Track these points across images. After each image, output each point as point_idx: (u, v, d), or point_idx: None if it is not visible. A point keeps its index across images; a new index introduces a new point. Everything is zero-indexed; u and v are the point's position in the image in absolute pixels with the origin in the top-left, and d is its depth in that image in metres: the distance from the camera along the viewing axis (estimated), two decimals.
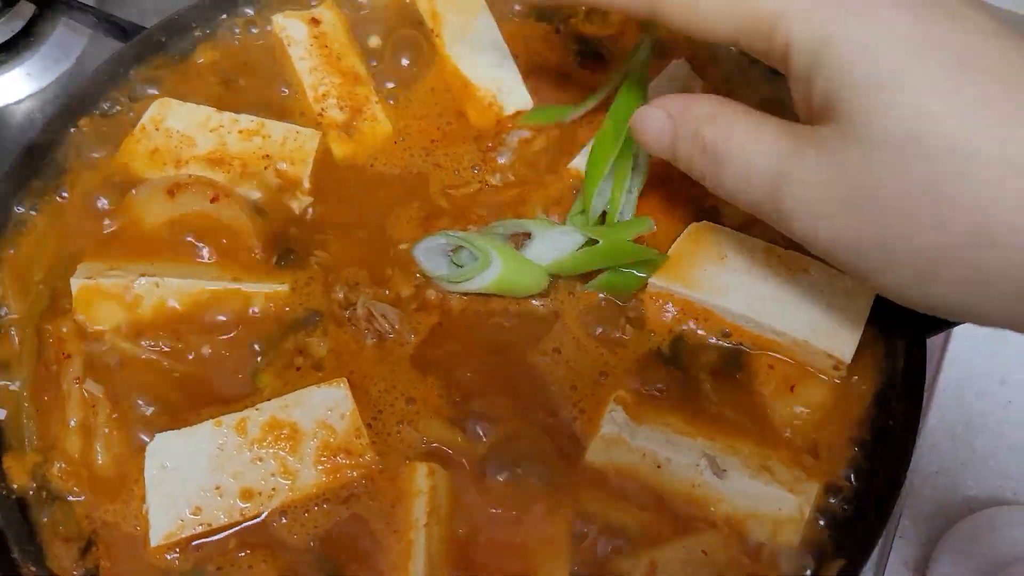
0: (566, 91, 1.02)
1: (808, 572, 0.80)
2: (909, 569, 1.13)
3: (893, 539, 1.12)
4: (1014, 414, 1.22)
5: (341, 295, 0.90)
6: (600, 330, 0.90)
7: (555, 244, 0.90)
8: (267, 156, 0.95)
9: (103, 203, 0.94)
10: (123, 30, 1.13)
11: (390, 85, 1.03)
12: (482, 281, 0.89)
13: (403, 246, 0.94)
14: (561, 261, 0.89)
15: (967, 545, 1.09)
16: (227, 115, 0.97)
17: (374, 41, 1.05)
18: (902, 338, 0.88)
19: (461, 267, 0.90)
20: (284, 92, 1.01)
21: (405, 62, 1.04)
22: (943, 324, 0.90)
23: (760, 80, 1.03)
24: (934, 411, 1.20)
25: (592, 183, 0.90)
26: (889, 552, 1.10)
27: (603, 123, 0.91)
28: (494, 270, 0.88)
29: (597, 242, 0.88)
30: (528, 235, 0.91)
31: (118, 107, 0.99)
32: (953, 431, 1.21)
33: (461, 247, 0.90)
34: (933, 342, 1.20)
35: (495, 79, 1.02)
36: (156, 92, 1.00)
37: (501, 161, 0.98)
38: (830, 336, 0.85)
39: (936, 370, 1.21)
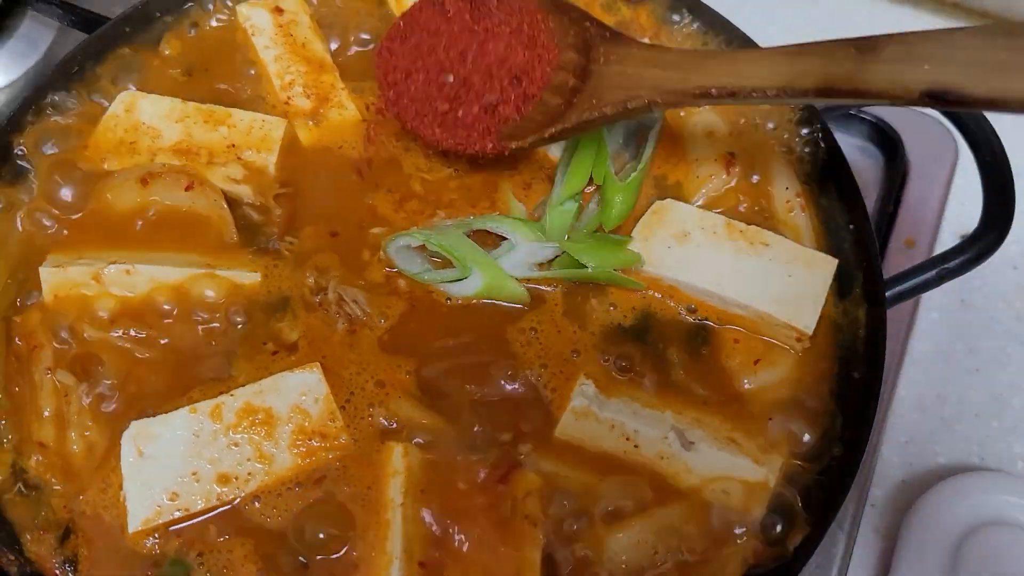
0: None
1: (774, 540, 0.82)
2: (880, 536, 1.15)
3: (864, 508, 1.14)
4: (981, 382, 1.24)
5: (311, 280, 0.91)
6: (570, 308, 0.91)
7: (534, 256, 0.91)
8: (233, 145, 0.96)
9: (70, 195, 0.94)
10: (89, 22, 1.13)
11: (357, 74, 1.03)
12: (461, 290, 0.91)
13: (375, 230, 0.95)
14: (540, 276, 0.91)
15: (936, 512, 1.12)
16: (192, 105, 0.97)
17: (339, 30, 1.05)
18: (862, 309, 0.90)
19: (438, 266, 0.91)
20: (250, 81, 1.02)
21: (371, 48, 1.04)
22: (903, 295, 0.92)
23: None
24: (903, 382, 1.22)
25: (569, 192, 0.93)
26: (860, 520, 1.12)
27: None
28: (474, 283, 0.90)
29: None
30: (504, 237, 0.92)
31: (84, 99, 0.99)
32: (922, 401, 1.23)
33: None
34: (900, 315, 1.23)
35: None
36: (121, 84, 1.00)
37: None
38: (792, 308, 0.87)
39: (904, 342, 1.23)
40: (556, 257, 0.92)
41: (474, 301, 0.91)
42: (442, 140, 0.92)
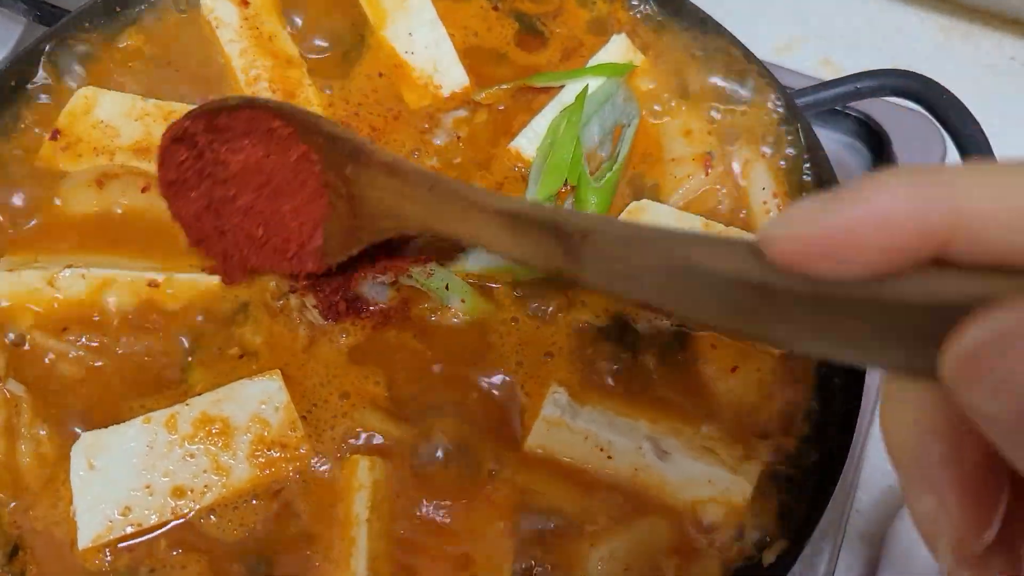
0: (504, 69, 1.00)
1: (751, 553, 0.79)
2: (865, 543, 1.12)
3: (849, 513, 1.11)
4: None
5: (273, 284, 0.87)
6: (538, 311, 0.88)
7: None
8: None
9: (25, 196, 0.90)
10: (55, 16, 1.10)
11: (325, 72, 0.99)
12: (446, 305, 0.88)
13: None
14: (503, 266, 0.88)
15: None
16: (152, 102, 0.94)
17: (306, 25, 1.01)
18: None
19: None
20: (214, 76, 0.98)
21: (339, 45, 1.01)
22: None
23: (704, 53, 1.01)
24: None
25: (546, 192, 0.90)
26: (845, 527, 1.10)
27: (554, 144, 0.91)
28: (454, 305, 0.87)
29: None
30: None
31: (40, 97, 0.96)
32: None
33: None
34: None
35: (431, 59, 0.99)
36: (80, 80, 0.96)
37: (437, 143, 0.96)
38: None
39: None
40: None
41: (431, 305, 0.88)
42: (264, 266, 0.85)
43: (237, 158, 0.82)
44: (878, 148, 1.29)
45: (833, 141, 1.30)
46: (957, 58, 1.47)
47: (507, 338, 0.87)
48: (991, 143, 0.94)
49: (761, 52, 1.01)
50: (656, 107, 0.98)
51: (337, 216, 0.80)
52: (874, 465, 1.16)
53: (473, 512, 0.81)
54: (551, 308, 0.88)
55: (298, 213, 0.82)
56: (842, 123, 1.29)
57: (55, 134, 0.92)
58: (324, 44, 1.01)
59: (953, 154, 1.28)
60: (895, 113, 1.29)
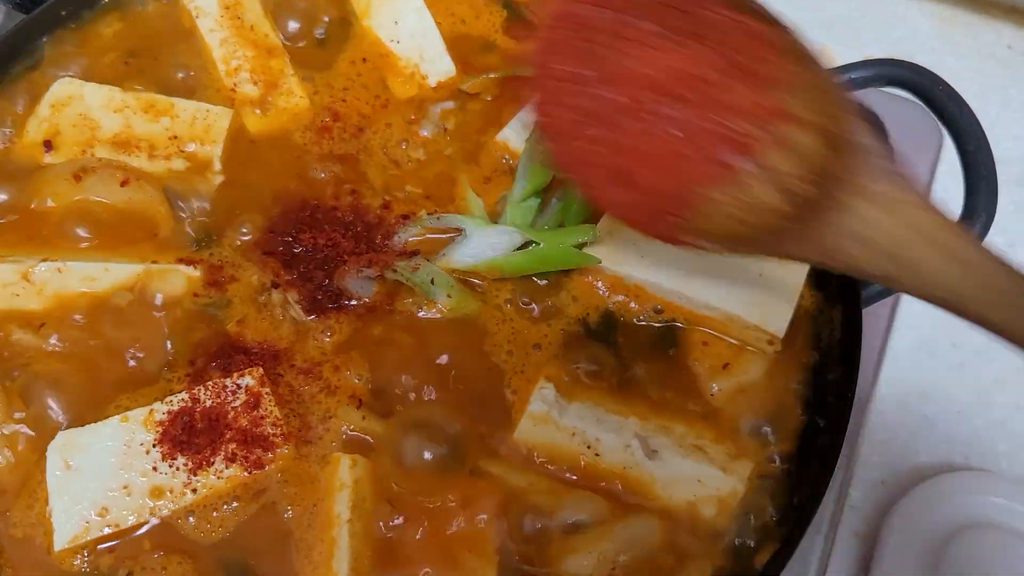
0: (492, 57, 0.98)
1: (743, 553, 0.78)
2: (859, 539, 1.11)
3: (842, 510, 1.10)
4: (965, 377, 1.21)
5: (255, 279, 0.86)
6: (529, 307, 0.87)
7: (490, 244, 0.86)
8: (175, 137, 0.90)
9: (2, 190, 0.88)
10: (33, 3, 1.07)
11: (308, 61, 0.98)
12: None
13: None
14: (495, 261, 0.86)
15: (917, 513, 1.08)
16: (131, 94, 0.91)
17: (289, 13, 0.99)
18: (837, 309, 0.86)
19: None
20: (194, 67, 0.96)
21: (322, 34, 0.99)
22: (879, 295, 0.88)
23: None
24: (883, 379, 1.18)
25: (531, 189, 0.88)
26: (838, 523, 1.09)
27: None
28: (441, 303, 0.86)
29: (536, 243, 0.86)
30: (460, 231, 0.87)
31: (16, 88, 0.94)
32: (904, 399, 1.19)
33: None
34: (881, 308, 1.18)
35: (417, 48, 0.97)
36: (57, 71, 0.94)
37: (424, 134, 0.94)
38: (763, 310, 0.83)
39: (885, 336, 1.19)
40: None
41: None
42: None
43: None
44: None
45: None
46: (956, 47, 1.45)
47: (497, 333, 0.86)
48: (990, 132, 0.92)
49: None
50: None
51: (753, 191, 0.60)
52: (867, 462, 1.15)
53: (458, 512, 0.79)
54: (541, 305, 0.86)
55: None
56: None
57: (48, 144, 0.90)
58: (307, 34, 0.99)
59: (949, 145, 1.26)
60: (891, 103, 1.27)
